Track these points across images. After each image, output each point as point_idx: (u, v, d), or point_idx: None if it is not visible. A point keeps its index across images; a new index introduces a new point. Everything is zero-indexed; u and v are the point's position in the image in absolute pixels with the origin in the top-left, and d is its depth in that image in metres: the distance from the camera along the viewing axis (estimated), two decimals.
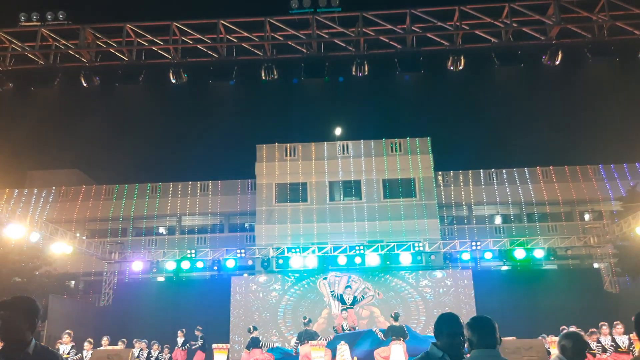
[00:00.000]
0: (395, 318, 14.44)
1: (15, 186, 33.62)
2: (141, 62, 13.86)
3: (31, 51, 13.62)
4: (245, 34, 13.63)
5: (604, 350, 12.75)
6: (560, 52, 13.18)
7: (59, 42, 13.70)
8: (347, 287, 21.35)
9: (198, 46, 13.80)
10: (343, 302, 20.64)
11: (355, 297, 20.76)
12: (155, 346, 16.71)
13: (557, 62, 13.28)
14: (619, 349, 12.63)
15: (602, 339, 12.94)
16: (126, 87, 14.42)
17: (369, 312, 21.41)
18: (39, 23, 13.43)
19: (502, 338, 3.30)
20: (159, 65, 13.88)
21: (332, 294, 21.00)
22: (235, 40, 13.76)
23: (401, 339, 13.35)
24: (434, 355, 3.24)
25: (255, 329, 15.58)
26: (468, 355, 3.21)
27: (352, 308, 20.38)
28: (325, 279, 21.63)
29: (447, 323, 3.27)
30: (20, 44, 13.65)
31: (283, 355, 15.02)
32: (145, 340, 16.47)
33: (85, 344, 14.29)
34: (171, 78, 13.73)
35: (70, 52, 13.76)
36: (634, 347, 12.21)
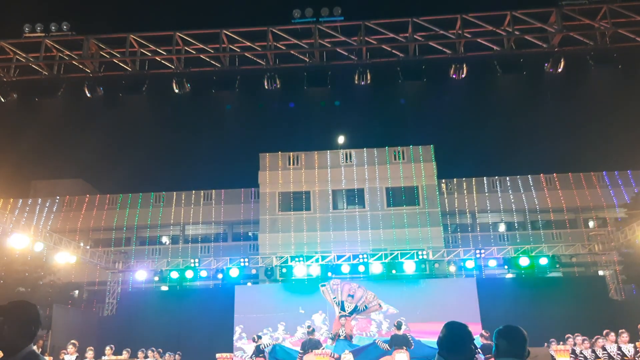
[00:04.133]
0: (398, 327, 14.38)
1: (19, 196, 33.75)
2: (144, 72, 13.94)
3: (35, 62, 13.71)
4: (248, 44, 13.69)
5: (611, 358, 12.65)
6: (562, 60, 13.20)
7: (62, 53, 13.80)
8: (349, 295, 21.28)
9: (201, 56, 13.87)
10: (343, 309, 20.56)
11: (356, 306, 20.67)
12: (157, 354, 16.66)
13: (560, 70, 13.29)
14: (625, 358, 12.53)
15: (607, 346, 12.84)
16: (130, 97, 14.50)
17: (373, 320, 21.32)
18: (43, 34, 13.53)
19: (503, 347, 3.17)
20: (162, 75, 13.96)
21: (335, 300, 20.95)
22: (238, 50, 13.83)
23: (404, 347, 13.28)
24: None
25: (259, 337, 15.55)
26: None
27: (350, 316, 20.27)
28: (324, 285, 21.54)
29: (456, 333, 3.09)
30: (24, 55, 13.75)
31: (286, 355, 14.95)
32: (152, 348, 16.45)
33: (87, 352, 14.25)
34: (174, 88, 13.80)
35: (74, 62, 13.86)
36: None
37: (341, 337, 16.85)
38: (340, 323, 18.54)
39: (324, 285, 21.51)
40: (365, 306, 20.73)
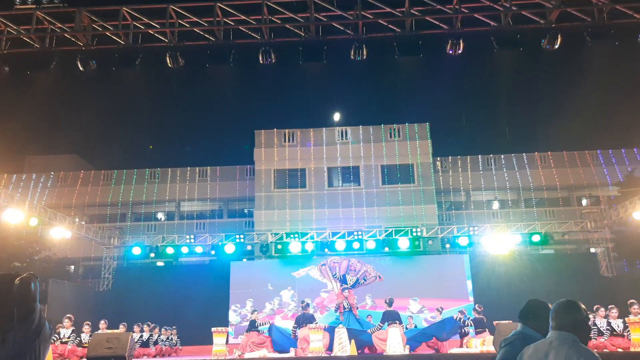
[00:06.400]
0: (390, 304, 14.53)
1: (13, 171, 33.60)
2: (138, 46, 13.77)
3: (26, 34, 13.51)
4: (243, 17, 13.53)
5: (600, 333, 12.84)
6: (559, 36, 13.09)
7: (54, 26, 13.60)
8: (350, 269, 21.56)
9: (195, 29, 13.71)
10: (345, 282, 20.84)
11: (357, 280, 20.96)
12: (156, 330, 16.86)
13: (557, 46, 13.21)
14: (614, 333, 12.73)
15: (597, 322, 13.04)
16: (123, 71, 14.35)
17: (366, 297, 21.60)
18: (34, 6, 13.29)
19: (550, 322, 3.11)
20: (155, 49, 13.80)
21: (335, 276, 21.20)
22: (233, 24, 13.67)
23: (397, 322, 13.44)
24: (532, 336, 3.27)
25: (254, 311, 15.70)
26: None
27: (353, 289, 20.58)
28: (324, 265, 21.78)
29: (542, 308, 3.37)
30: (15, 27, 13.54)
31: (282, 335, 15.13)
32: (148, 322, 16.62)
33: (84, 326, 14.39)
34: (168, 62, 13.65)
35: (66, 35, 13.67)
36: (629, 331, 12.31)
37: (346, 309, 17.32)
38: (344, 295, 18.92)
39: (324, 265, 21.72)
40: (364, 278, 21.00)
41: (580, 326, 2.97)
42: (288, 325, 16.80)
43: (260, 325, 14.88)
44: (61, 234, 20.74)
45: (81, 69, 13.65)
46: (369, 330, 14.92)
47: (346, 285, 20.46)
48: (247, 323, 15.63)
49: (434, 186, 29.37)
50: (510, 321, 12.52)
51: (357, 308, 20.27)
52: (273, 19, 13.55)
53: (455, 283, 21.53)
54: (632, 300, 12.28)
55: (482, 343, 12.95)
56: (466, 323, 14.77)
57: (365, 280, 21.08)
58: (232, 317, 21.56)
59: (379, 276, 21.31)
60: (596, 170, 30.74)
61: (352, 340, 13.42)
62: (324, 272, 21.58)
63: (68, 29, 13.55)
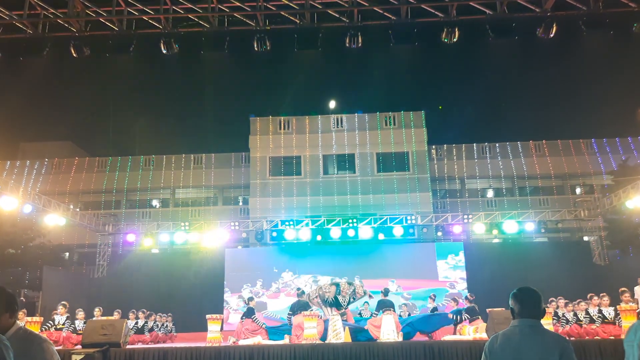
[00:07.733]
0: (385, 293, 14.64)
1: (7, 158, 33.44)
2: (132, 32, 13.66)
3: (19, 20, 13.37)
4: (237, 4, 13.43)
5: (592, 321, 12.96)
6: (554, 25, 13.07)
7: (47, 11, 13.46)
8: (338, 293, 21.54)
9: (189, 16, 13.60)
10: (339, 305, 20.79)
11: (349, 300, 21.07)
12: (152, 317, 16.90)
13: (552, 35, 13.19)
14: (606, 320, 12.86)
15: (590, 310, 13.16)
16: (117, 57, 14.25)
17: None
18: None
19: (517, 309, 3.29)
20: (149, 35, 13.69)
21: (326, 302, 21.20)
22: (227, 10, 13.56)
23: (391, 309, 13.55)
24: None
25: (250, 299, 15.74)
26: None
27: (347, 308, 20.71)
28: (315, 298, 21.74)
29: (528, 294, 3.34)
30: (7, 13, 13.39)
31: (277, 327, 15.21)
32: (143, 309, 16.66)
33: (77, 313, 14.40)
34: (162, 48, 13.55)
35: (59, 21, 13.53)
36: (620, 318, 12.44)
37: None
38: (342, 319, 18.99)
39: (316, 297, 21.69)
40: (354, 297, 21.11)
41: (544, 313, 3.21)
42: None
43: (255, 318, 14.90)
44: (55, 220, 20.69)
45: (75, 55, 13.54)
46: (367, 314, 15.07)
47: (342, 309, 20.54)
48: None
49: (428, 174, 29.45)
50: (503, 309, 12.63)
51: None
52: (268, 5, 13.45)
53: (427, 266, 21.89)
54: (623, 289, 12.39)
55: (475, 330, 13.06)
56: (461, 313, 14.83)
57: (354, 299, 21.23)
58: (245, 293, 21.75)
59: (370, 295, 21.37)
60: (590, 159, 30.90)
61: (347, 328, 13.52)
62: (315, 303, 21.57)
63: (61, 15, 13.42)
